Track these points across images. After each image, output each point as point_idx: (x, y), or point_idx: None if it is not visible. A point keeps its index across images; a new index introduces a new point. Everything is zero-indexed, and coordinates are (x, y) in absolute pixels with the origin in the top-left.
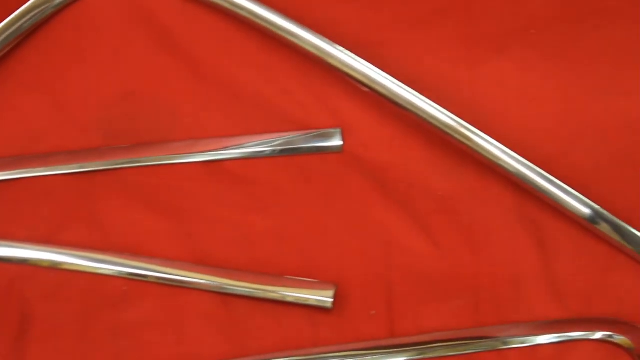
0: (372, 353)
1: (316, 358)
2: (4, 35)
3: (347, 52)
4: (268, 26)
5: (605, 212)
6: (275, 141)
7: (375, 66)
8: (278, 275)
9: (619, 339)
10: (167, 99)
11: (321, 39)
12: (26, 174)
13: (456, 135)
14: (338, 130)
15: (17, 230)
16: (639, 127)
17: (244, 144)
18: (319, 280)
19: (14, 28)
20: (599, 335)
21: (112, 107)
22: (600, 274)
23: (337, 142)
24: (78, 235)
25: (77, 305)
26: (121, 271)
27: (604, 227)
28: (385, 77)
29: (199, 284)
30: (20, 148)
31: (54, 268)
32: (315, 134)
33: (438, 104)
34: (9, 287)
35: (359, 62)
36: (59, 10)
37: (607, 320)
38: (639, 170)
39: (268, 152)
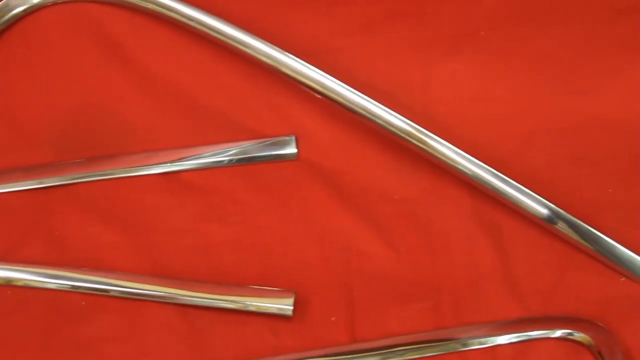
0: (334, 359)
1: None
2: None
3: (300, 60)
4: (219, 36)
5: (562, 212)
6: (230, 150)
7: (328, 73)
8: (238, 285)
9: (579, 336)
10: (121, 112)
11: (273, 48)
12: None
13: (411, 140)
14: (292, 137)
15: None
16: (593, 125)
17: (200, 154)
18: (279, 288)
19: None
20: (558, 333)
21: (64, 122)
22: (559, 273)
23: (292, 149)
24: (36, 251)
25: (37, 321)
26: (80, 286)
27: (561, 226)
28: (338, 84)
29: (159, 296)
30: None
31: (11, 285)
32: (270, 142)
33: (392, 108)
34: None
35: (311, 69)
36: (8, 27)
37: (566, 318)
38: (594, 168)
39: (224, 162)
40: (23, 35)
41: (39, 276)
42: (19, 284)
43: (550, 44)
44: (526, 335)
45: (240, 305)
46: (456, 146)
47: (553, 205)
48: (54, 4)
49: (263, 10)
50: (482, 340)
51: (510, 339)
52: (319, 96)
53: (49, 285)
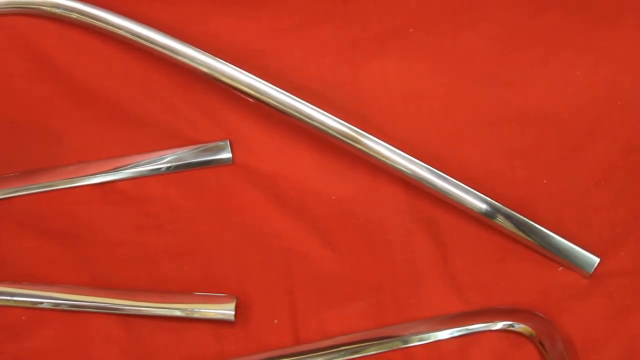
0: None
1: None
2: None
3: (229, 64)
4: (149, 44)
5: (498, 205)
6: (165, 158)
7: (258, 76)
8: (179, 292)
9: (520, 327)
10: (53, 123)
11: (203, 54)
12: None
13: (344, 139)
14: (227, 142)
15: None
16: (523, 117)
17: (135, 163)
18: (220, 294)
19: None
20: (499, 325)
21: None
22: (497, 265)
23: (226, 154)
24: None
25: None
26: (19, 300)
27: (498, 219)
28: (268, 87)
29: (99, 306)
30: None
31: None
32: (204, 147)
33: (324, 109)
34: None
35: (242, 73)
36: None
37: (507, 309)
38: (526, 160)
39: (160, 170)
40: None
41: None
42: None
43: (477, 39)
44: (468, 329)
45: (182, 312)
46: (390, 144)
47: (489, 199)
48: None
49: (189, 16)
50: (424, 336)
51: (452, 333)
52: (251, 100)
53: None
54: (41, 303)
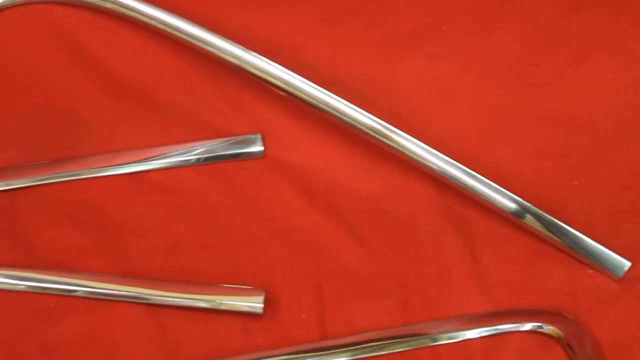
0: (305, 356)
1: None
2: None
3: (262, 57)
4: (182, 36)
5: (529, 205)
6: (196, 150)
7: (291, 70)
8: (207, 284)
9: (548, 328)
10: (85, 112)
11: (236, 46)
12: None
13: (376, 135)
14: (258, 135)
15: None
16: (556, 118)
17: (166, 154)
18: (249, 287)
19: None
20: (528, 326)
21: (28, 123)
22: (527, 266)
23: (258, 147)
24: (2, 253)
25: (5, 324)
26: (48, 287)
27: (528, 219)
28: (301, 81)
29: (128, 296)
30: None
31: None
32: (235, 140)
33: (356, 104)
34: None
35: (274, 66)
36: None
37: (535, 311)
38: (558, 161)
39: (190, 161)
40: None
41: (7, 278)
42: None
43: (510, 38)
44: (496, 329)
45: (211, 304)
46: (421, 141)
47: (520, 199)
48: (15, 5)
49: (225, 9)
50: (452, 334)
51: (480, 332)
52: (283, 94)
53: (17, 287)
54: (70, 291)
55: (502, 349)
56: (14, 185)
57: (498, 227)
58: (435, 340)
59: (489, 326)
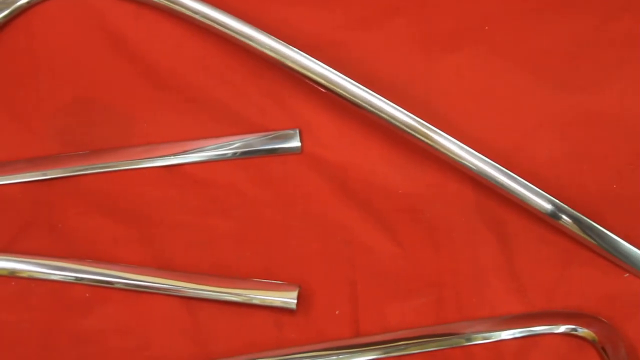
0: (337, 353)
1: (282, 359)
2: None
3: (303, 53)
4: (223, 29)
5: (566, 207)
6: (234, 144)
7: (332, 67)
8: (241, 278)
9: (583, 331)
10: (124, 104)
11: (277, 41)
12: None
13: (415, 134)
14: (296, 131)
15: None
16: (596, 120)
17: (203, 147)
18: (283, 282)
19: None
20: (562, 328)
21: (68, 114)
22: (562, 268)
23: (295, 143)
24: (38, 243)
25: (39, 313)
26: (83, 278)
27: (565, 222)
28: (342, 78)
29: (163, 288)
30: None
31: (15, 276)
32: (273, 135)
33: (395, 102)
34: None
35: (315, 63)
36: (12, 18)
37: (570, 313)
38: (596, 164)
39: (227, 155)
40: (27, 26)
41: (43, 267)
42: (23, 275)
43: (553, 39)
44: (530, 330)
45: (244, 298)
46: (460, 141)
47: (557, 201)
48: None
49: (267, 4)
50: (486, 335)
51: (513, 334)
52: (323, 90)
53: (52, 276)
54: (104, 281)
55: (536, 351)
56: (53, 175)
57: (534, 229)
58: (468, 340)
59: (523, 327)
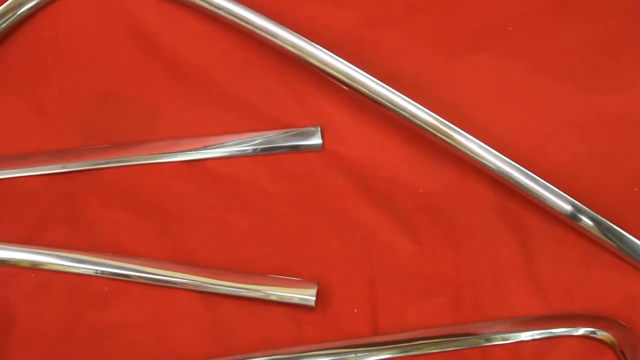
0: (356, 351)
1: (300, 356)
2: None
3: (326, 50)
4: (247, 25)
5: (585, 208)
6: (255, 140)
7: (354, 64)
8: (260, 274)
9: (602, 334)
10: (147, 98)
11: (300, 38)
12: (6, 175)
13: (436, 133)
14: (318, 128)
15: None
16: (617, 123)
17: (225, 142)
18: (302, 279)
19: None
20: (581, 331)
21: (90, 107)
22: (582, 270)
23: (317, 140)
24: (59, 235)
25: (59, 305)
26: (104, 271)
27: (584, 223)
28: (363, 76)
29: (182, 283)
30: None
31: (35, 268)
32: (295, 132)
33: (417, 101)
34: None
35: (337, 60)
36: (36, 11)
37: (589, 316)
38: (617, 166)
39: (249, 151)
40: (51, 19)
41: (63, 260)
42: (43, 267)
43: (576, 41)
44: (549, 332)
45: (263, 294)
46: (481, 140)
47: (577, 202)
48: None
49: (290, 0)
50: (504, 336)
51: (532, 335)
52: (345, 87)
53: (72, 269)
54: (124, 275)
55: (554, 353)
56: (74, 168)
57: (554, 230)
58: (487, 340)
59: (542, 329)
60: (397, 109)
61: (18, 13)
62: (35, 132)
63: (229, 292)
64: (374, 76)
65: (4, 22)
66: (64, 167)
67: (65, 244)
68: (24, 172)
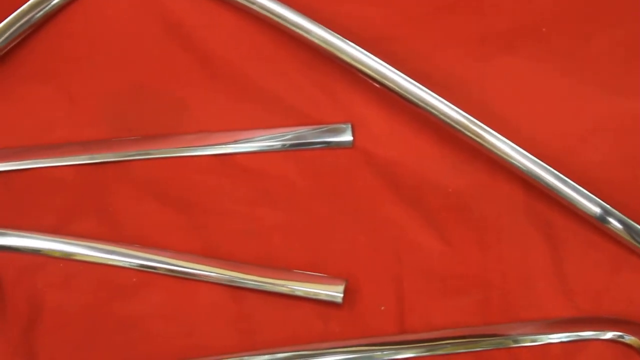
0: (382, 349)
1: (325, 352)
2: (15, 27)
3: (358, 47)
4: (279, 20)
5: (615, 211)
6: (286, 135)
7: (386, 62)
8: (288, 269)
9: (630, 339)
10: (178, 91)
11: (332, 34)
12: (37, 165)
13: (466, 132)
14: (348, 125)
15: (26, 220)
16: None
17: (255, 137)
18: (329, 275)
19: (24, 19)
20: (609, 335)
21: (122, 98)
22: (610, 273)
23: (347, 137)
24: (88, 226)
25: (87, 295)
26: (131, 262)
27: (613, 226)
28: (395, 73)
29: (209, 276)
30: (30, 138)
31: (64, 258)
32: (325, 128)
33: (448, 100)
34: (18, 277)
35: (369, 57)
36: (70, 2)
37: (617, 320)
38: None
39: (279, 146)
40: (84, 11)
41: (92, 250)
42: (72, 257)
43: (610, 44)
44: (576, 335)
45: (291, 290)
46: (512, 141)
47: (607, 205)
48: None
49: None
50: (531, 337)
51: (559, 338)
52: (376, 85)
53: (101, 260)
54: (152, 267)
55: (581, 356)
56: (104, 159)
57: (584, 233)
58: (514, 342)
59: (569, 332)
60: (428, 108)
61: (53, 3)
62: (66, 122)
63: (256, 287)
64: (405, 74)
65: (39, 11)
66: (93, 158)
67: (94, 234)
68: (54, 161)
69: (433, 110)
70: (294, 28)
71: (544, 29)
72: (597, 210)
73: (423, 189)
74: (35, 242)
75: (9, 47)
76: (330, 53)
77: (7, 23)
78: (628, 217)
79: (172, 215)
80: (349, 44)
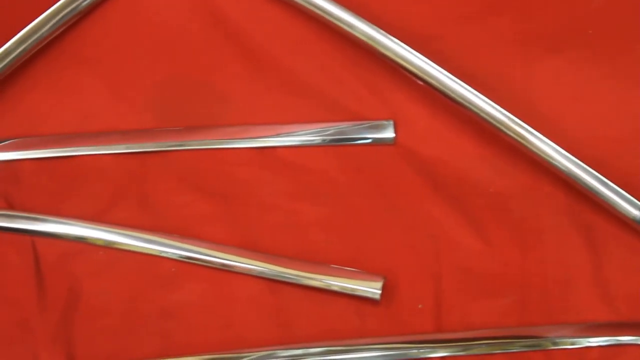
0: (418, 346)
1: (362, 348)
2: (60, 15)
3: (403, 44)
4: (325, 16)
5: None
6: (327, 130)
7: (430, 59)
8: (327, 264)
9: None
10: (221, 83)
11: (377, 31)
12: (79, 152)
13: (509, 133)
14: (391, 122)
15: (67, 207)
16: None
17: (297, 131)
18: (368, 272)
19: (70, 7)
20: None
21: (165, 89)
22: None
23: (389, 134)
24: (127, 214)
25: (126, 284)
26: (171, 253)
27: None
28: (439, 71)
29: (248, 269)
30: (74, 126)
31: (104, 246)
32: (368, 125)
33: (492, 100)
34: (58, 263)
35: (414, 54)
36: None
37: None
38: None
39: (320, 141)
40: (129, 2)
41: (131, 239)
42: (112, 245)
43: None
44: (615, 339)
45: (329, 285)
46: (555, 143)
47: None
48: None
49: None
50: (569, 340)
51: (598, 342)
52: (420, 82)
53: (140, 249)
54: (191, 258)
55: None
56: (146, 149)
57: (625, 237)
58: (554, 344)
59: (608, 336)
60: (472, 107)
61: None
62: (109, 111)
63: (293, 281)
64: (449, 72)
65: (84, 0)
66: (135, 148)
67: (134, 223)
68: (97, 150)
69: (476, 109)
70: (339, 23)
71: (590, 31)
72: (638, 214)
73: (464, 188)
74: (76, 229)
75: (55, 35)
76: (375, 49)
77: (53, 10)
78: None
79: (212, 207)
80: (393, 41)
